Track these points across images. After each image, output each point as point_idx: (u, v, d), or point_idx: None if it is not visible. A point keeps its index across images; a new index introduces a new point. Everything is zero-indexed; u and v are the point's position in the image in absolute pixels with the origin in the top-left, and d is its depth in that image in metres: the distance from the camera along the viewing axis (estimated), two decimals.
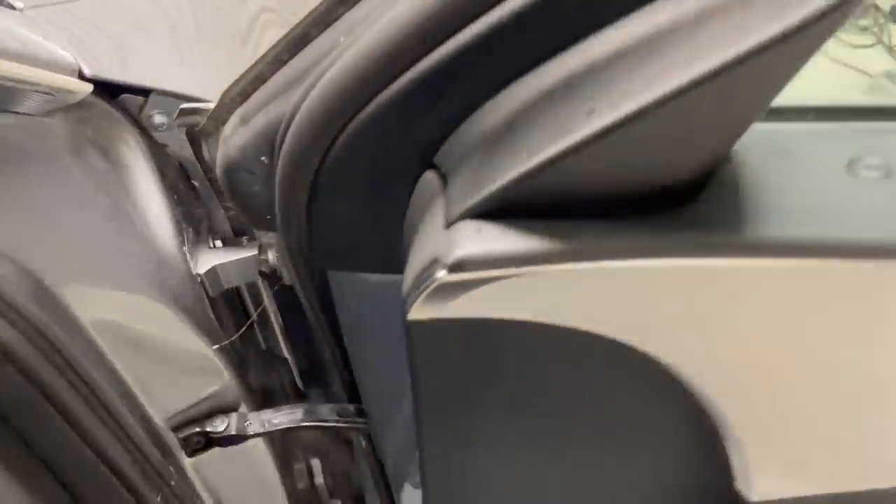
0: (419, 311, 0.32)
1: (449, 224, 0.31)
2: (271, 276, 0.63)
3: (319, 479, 0.90)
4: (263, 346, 0.69)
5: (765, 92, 0.28)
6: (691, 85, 0.24)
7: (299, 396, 0.75)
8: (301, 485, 0.85)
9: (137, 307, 0.54)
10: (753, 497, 0.39)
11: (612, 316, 0.32)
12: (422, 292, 0.32)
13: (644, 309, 0.32)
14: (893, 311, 0.31)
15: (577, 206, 0.30)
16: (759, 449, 0.38)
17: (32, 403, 0.44)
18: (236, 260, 0.60)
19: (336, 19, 0.35)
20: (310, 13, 0.36)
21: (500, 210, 0.30)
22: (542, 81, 0.28)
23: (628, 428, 0.40)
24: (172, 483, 0.59)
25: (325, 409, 0.66)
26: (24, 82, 0.41)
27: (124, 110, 0.52)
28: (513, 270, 0.29)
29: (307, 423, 0.64)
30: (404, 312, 0.33)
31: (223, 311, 0.63)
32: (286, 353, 0.72)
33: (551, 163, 0.27)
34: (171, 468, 0.60)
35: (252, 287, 0.64)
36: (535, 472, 0.45)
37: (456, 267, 0.30)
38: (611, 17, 0.26)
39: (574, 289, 0.31)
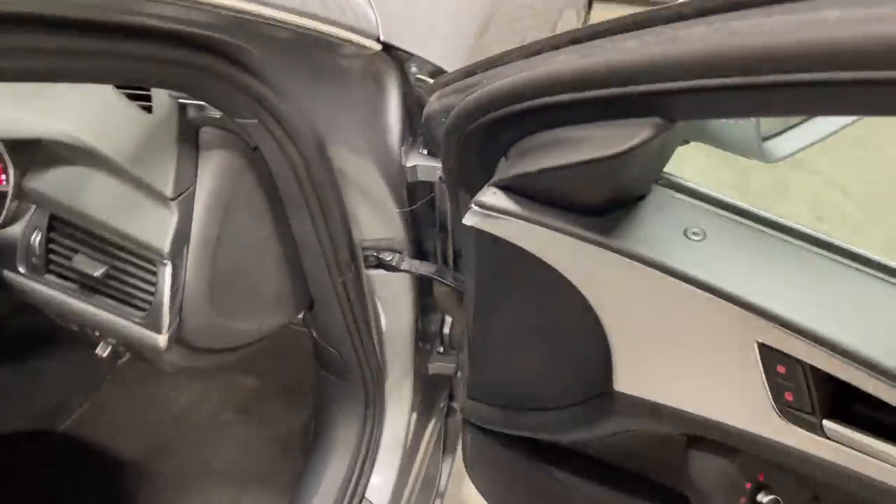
0: (467, 220, 0.67)
1: (490, 185, 0.65)
2: None
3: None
4: (433, 222, 1.05)
5: (640, 172, 0.57)
6: (575, 164, 0.54)
7: (444, 261, 1.11)
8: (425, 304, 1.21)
9: (379, 172, 0.92)
10: (616, 388, 0.70)
11: (547, 252, 0.64)
12: (466, 212, 0.66)
13: (564, 257, 0.63)
14: (680, 303, 0.59)
15: (546, 200, 0.62)
16: (624, 362, 0.68)
17: (297, 204, 0.85)
18: (428, 165, 0.95)
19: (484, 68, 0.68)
20: (483, 60, 0.69)
21: (506, 187, 0.63)
22: (540, 140, 0.59)
23: (561, 322, 0.71)
24: (351, 275, 0.99)
25: (450, 274, 1.02)
26: (344, 41, 0.79)
27: (393, 56, 0.88)
28: (501, 216, 0.63)
29: (434, 276, 1.01)
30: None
31: (414, 192, 1.00)
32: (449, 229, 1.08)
33: (523, 176, 0.59)
34: (354, 269, 1.00)
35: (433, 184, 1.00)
36: (520, 331, 0.78)
37: (478, 205, 0.64)
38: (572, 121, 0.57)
39: (527, 231, 0.63)
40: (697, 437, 0.69)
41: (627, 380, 0.69)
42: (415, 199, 1.00)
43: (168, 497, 1.30)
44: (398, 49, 0.87)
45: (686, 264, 0.58)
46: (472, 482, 1.06)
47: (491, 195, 0.63)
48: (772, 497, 0.66)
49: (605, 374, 0.70)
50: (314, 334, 1.12)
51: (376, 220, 0.98)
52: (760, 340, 0.58)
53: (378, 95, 0.89)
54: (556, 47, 0.58)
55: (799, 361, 0.56)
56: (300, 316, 1.37)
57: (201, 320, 0.82)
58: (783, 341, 0.56)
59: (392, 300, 1.09)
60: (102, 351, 0.90)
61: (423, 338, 1.22)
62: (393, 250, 1.02)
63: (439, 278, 1.01)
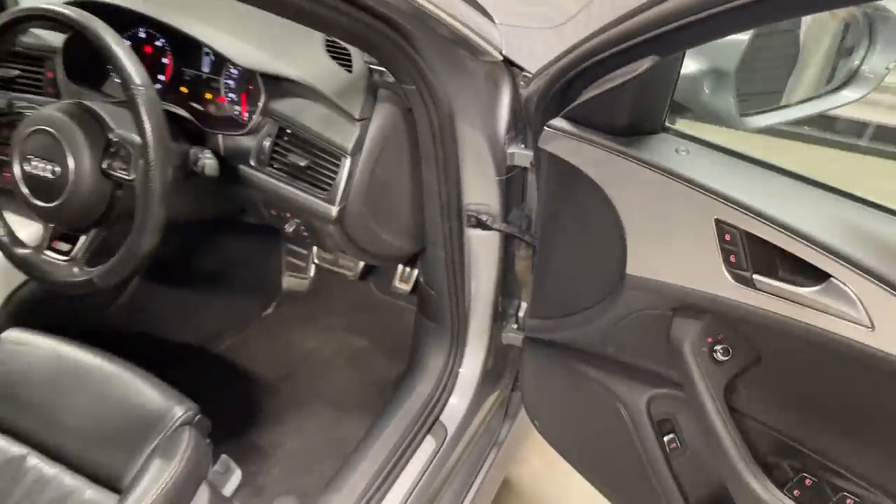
0: (541, 143, 1.04)
1: (559, 116, 1.02)
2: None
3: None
4: (520, 201, 1.41)
5: (646, 100, 0.93)
6: (605, 91, 0.91)
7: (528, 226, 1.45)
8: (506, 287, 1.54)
9: (488, 149, 1.30)
10: (627, 272, 1.02)
11: (589, 165, 0.99)
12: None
13: (599, 168, 0.99)
14: (676, 200, 0.92)
15: (594, 127, 0.98)
16: (633, 249, 1.01)
17: (429, 157, 1.25)
18: (523, 153, 1.32)
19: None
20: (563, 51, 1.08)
21: (567, 118, 1.00)
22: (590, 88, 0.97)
23: (597, 226, 1.05)
24: (455, 226, 1.36)
25: (528, 235, 1.37)
26: (479, 47, 1.20)
27: (509, 68, 1.28)
28: (563, 135, 1.00)
29: (517, 235, 1.36)
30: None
31: (510, 173, 1.37)
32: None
33: (577, 106, 0.96)
34: (458, 223, 1.37)
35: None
36: (574, 240, 1.12)
37: (550, 126, 1.01)
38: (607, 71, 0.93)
39: (577, 149, 0.99)
40: (679, 308, 1.00)
41: (635, 264, 1.01)
42: (511, 178, 1.38)
43: (286, 409, 1.65)
44: (514, 64, 1.27)
45: (672, 165, 0.93)
46: (525, 400, 1.36)
47: (558, 121, 1.01)
48: (724, 346, 0.95)
49: (622, 265, 1.03)
50: (421, 280, 1.49)
51: (479, 187, 1.36)
52: (716, 217, 0.90)
53: (494, 94, 1.28)
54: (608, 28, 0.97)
55: (738, 228, 0.88)
56: (408, 290, 1.74)
57: (357, 210, 1.21)
58: (729, 214, 0.88)
59: (481, 260, 1.44)
60: (289, 228, 1.30)
61: (502, 317, 1.55)
62: (489, 214, 1.39)
63: (521, 237, 1.36)
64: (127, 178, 1.10)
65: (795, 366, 0.93)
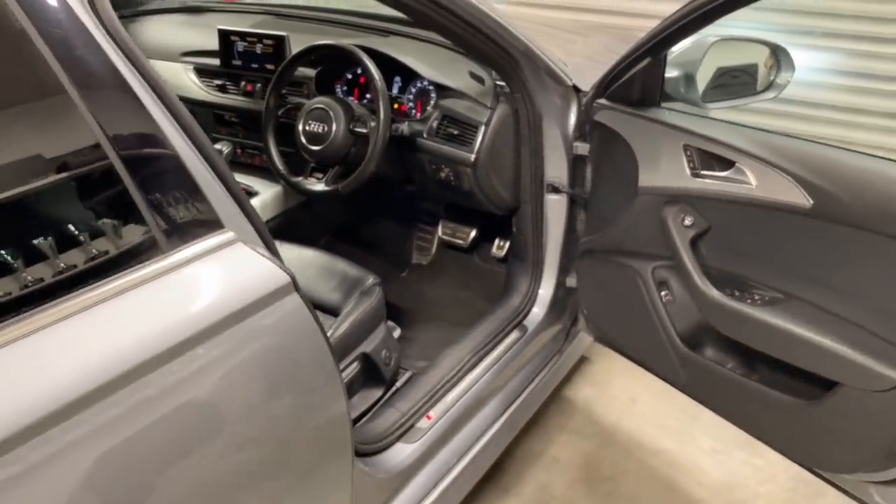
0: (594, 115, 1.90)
1: (603, 97, 1.88)
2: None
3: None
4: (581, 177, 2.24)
5: (647, 85, 1.79)
6: (630, 77, 1.76)
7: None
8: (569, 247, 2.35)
9: (561, 140, 2.14)
10: (639, 184, 1.85)
11: (617, 125, 1.84)
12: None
13: (623, 125, 1.83)
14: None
15: (621, 102, 1.84)
16: (643, 170, 1.83)
17: (526, 141, 2.12)
18: (582, 145, 2.16)
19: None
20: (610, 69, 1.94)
21: (607, 98, 1.86)
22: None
23: (622, 163, 1.88)
24: (538, 190, 2.20)
25: (584, 195, 2.18)
26: (558, 76, 2.08)
27: (576, 91, 2.15)
28: (603, 108, 1.86)
29: (578, 195, 2.17)
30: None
31: (574, 161, 2.21)
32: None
33: (614, 89, 1.82)
34: (540, 190, 2.21)
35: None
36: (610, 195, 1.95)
37: (597, 104, 1.87)
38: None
39: (612, 115, 1.85)
40: (666, 201, 1.79)
41: (643, 179, 1.83)
42: (575, 164, 2.22)
43: (418, 322, 2.46)
44: (579, 89, 2.15)
45: (662, 119, 1.77)
46: (579, 294, 2.14)
47: (602, 100, 1.87)
48: (689, 217, 1.74)
49: (636, 185, 1.85)
50: (514, 229, 2.31)
51: (555, 166, 2.19)
52: (683, 143, 1.73)
53: (565, 107, 2.14)
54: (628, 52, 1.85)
55: (693, 147, 1.70)
56: (502, 255, 2.57)
57: (483, 161, 2.05)
58: (689, 140, 1.71)
59: (554, 215, 2.25)
60: (443, 175, 2.17)
61: (566, 268, 2.35)
62: (560, 183, 2.22)
63: (580, 195, 2.18)
64: (364, 132, 2.01)
65: (726, 227, 1.71)
